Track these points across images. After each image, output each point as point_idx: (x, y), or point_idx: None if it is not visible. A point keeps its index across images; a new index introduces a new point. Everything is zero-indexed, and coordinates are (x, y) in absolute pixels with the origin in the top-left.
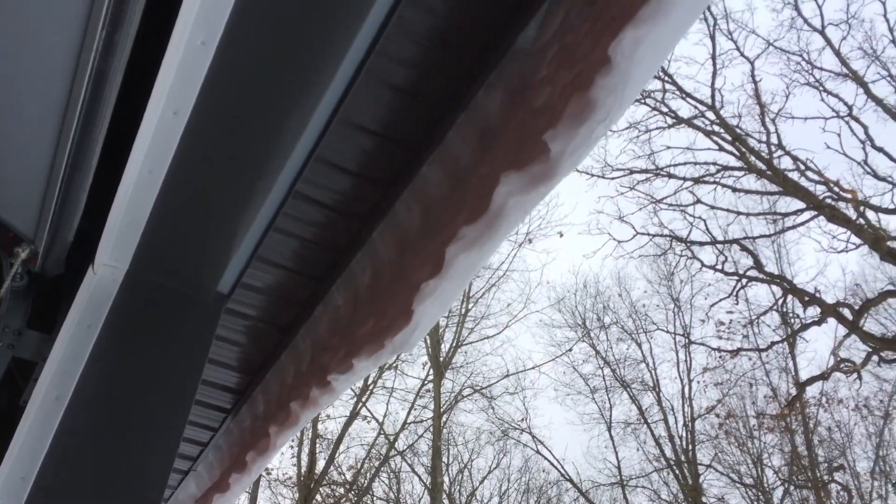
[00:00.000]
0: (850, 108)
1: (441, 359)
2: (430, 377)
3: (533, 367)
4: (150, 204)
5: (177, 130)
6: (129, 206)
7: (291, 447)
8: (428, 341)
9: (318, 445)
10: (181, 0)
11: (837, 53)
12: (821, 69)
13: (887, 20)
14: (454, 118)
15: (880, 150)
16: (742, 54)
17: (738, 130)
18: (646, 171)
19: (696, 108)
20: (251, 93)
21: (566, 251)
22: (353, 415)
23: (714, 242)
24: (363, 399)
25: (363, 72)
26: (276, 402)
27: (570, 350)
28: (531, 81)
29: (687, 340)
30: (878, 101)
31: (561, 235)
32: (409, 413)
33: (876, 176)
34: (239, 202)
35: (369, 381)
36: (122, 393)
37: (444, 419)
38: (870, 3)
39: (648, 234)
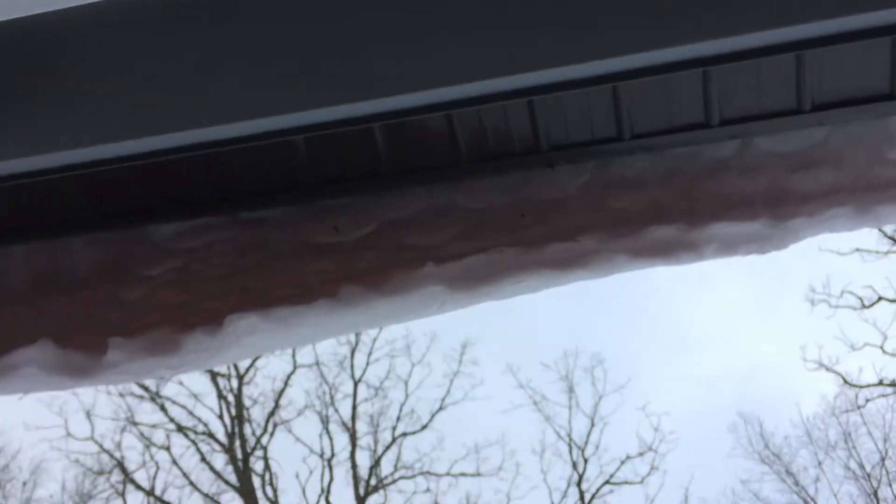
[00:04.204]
0: (333, 455)
1: None
2: None
3: None
4: None
5: None
6: None
7: None
8: None
9: None
10: None
11: (354, 408)
12: (336, 411)
13: (401, 409)
14: (33, 238)
15: None
16: (293, 357)
17: (245, 411)
18: (148, 390)
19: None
20: None
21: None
22: None
23: (150, 494)
24: None
25: None
26: None
27: None
28: (136, 272)
29: None
30: (354, 466)
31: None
32: None
33: None
34: None
35: None
36: None
37: None
38: (399, 387)
39: (101, 447)
